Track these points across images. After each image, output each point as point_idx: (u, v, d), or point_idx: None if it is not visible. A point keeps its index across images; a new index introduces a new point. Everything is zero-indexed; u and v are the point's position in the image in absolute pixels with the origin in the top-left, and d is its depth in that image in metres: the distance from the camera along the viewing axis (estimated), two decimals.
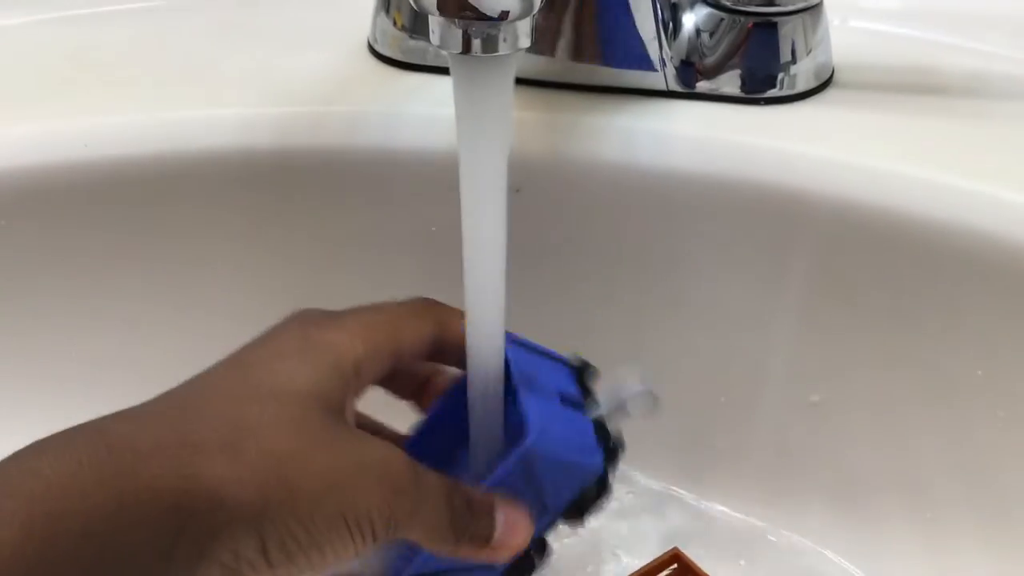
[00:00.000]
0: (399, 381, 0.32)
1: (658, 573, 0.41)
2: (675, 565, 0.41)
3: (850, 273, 0.41)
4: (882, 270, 0.40)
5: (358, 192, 0.43)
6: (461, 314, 0.31)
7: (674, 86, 0.43)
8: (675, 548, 0.42)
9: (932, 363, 0.41)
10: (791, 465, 0.45)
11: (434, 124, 0.42)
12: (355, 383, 0.28)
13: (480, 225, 0.30)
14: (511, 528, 0.28)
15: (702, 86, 0.43)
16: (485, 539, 0.27)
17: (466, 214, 0.30)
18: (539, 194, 0.41)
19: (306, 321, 0.29)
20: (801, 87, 0.43)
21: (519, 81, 0.29)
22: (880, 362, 0.42)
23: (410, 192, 0.43)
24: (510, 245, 0.33)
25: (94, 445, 0.23)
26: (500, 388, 0.32)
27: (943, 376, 0.41)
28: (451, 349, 0.31)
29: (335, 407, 0.27)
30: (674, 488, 0.46)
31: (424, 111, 0.43)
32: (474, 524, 0.27)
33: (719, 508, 0.46)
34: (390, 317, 0.30)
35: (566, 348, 0.46)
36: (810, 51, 0.43)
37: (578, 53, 0.42)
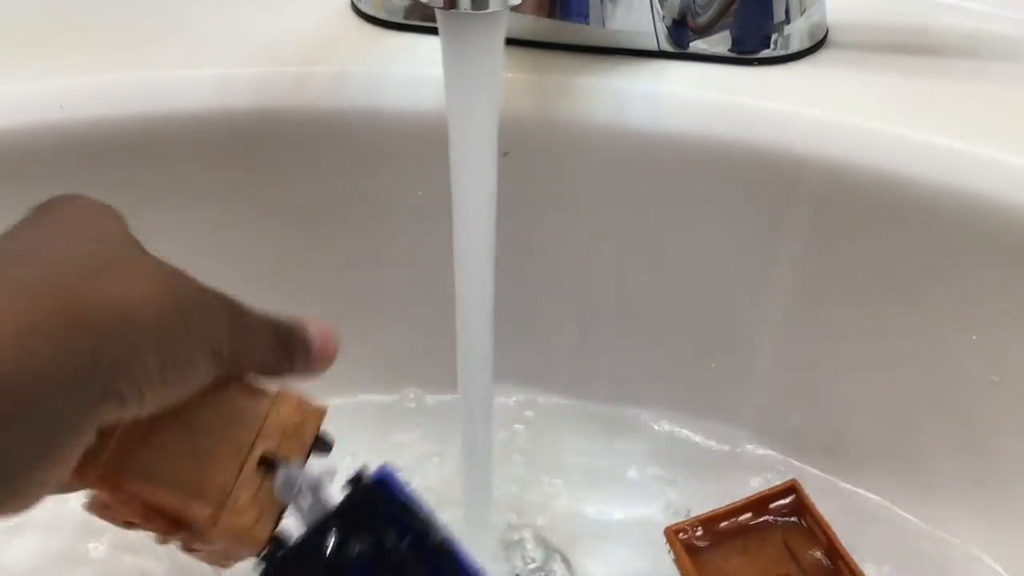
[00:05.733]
0: None
1: (775, 500, 0.42)
2: (792, 496, 0.42)
3: (843, 235, 0.40)
4: (875, 231, 0.40)
5: (341, 155, 0.43)
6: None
7: (666, 46, 0.42)
8: (793, 480, 0.42)
9: (925, 326, 0.40)
10: (783, 428, 0.45)
11: (421, 84, 0.41)
12: None
13: (469, 189, 0.30)
14: (324, 339, 0.30)
15: (694, 46, 0.42)
16: (306, 352, 0.29)
17: (455, 178, 0.30)
18: (529, 157, 0.41)
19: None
20: (795, 47, 0.43)
21: (507, 41, 0.29)
22: (873, 325, 0.42)
23: (396, 155, 0.42)
24: (499, 208, 0.32)
25: None
26: (489, 351, 0.32)
27: (935, 339, 0.41)
28: None
29: None
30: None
31: (410, 71, 0.42)
32: (295, 340, 0.29)
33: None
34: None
35: (555, 310, 0.46)
36: (804, 10, 0.43)
37: (566, 12, 0.41)
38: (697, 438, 0.47)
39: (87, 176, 0.42)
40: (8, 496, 0.23)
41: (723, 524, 0.42)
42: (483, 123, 0.29)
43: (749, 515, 0.42)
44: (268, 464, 0.28)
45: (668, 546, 0.41)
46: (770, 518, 0.42)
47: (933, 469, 0.42)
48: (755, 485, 0.45)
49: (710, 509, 0.41)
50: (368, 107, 0.42)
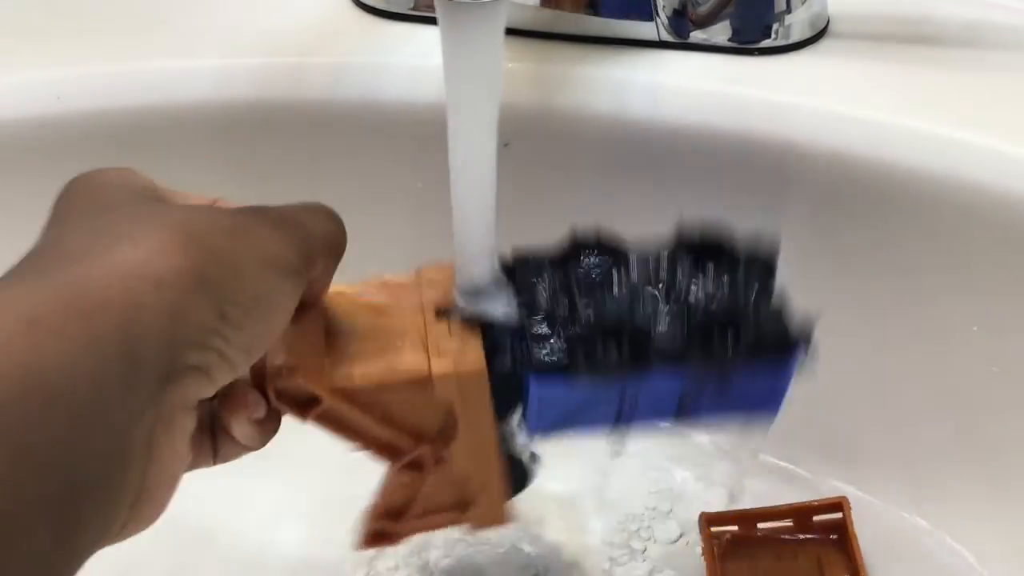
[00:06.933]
0: None
1: (820, 513, 0.40)
2: (839, 513, 0.40)
3: (844, 225, 0.40)
4: (876, 222, 0.40)
5: (341, 146, 0.43)
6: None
7: (666, 36, 0.42)
8: (843, 497, 0.40)
9: (927, 317, 0.40)
10: (781, 418, 0.45)
11: (420, 75, 0.41)
12: None
13: (469, 180, 0.30)
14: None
15: (695, 36, 0.42)
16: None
17: (455, 169, 0.30)
18: (529, 148, 0.41)
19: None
20: (796, 37, 0.42)
21: (508, 31, 0.29)
22: (874, 316, 0.41)
23: (395, 145, 0.42)
24: (499, 200, 0.32)
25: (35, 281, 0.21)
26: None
27: (936, 329, 0.40)
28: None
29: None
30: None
31: (410, 62, 0.42)
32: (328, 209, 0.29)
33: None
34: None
35: None
36: (805, 0, 0.42)
37: (568, 2, 0.41)
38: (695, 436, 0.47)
39: (84, 167, 0.42)
40: (130, 516, 0.21)
41: (761, 525, 0.41)
42: (483, 114, 0.29)
43: (790, 522, 0.41)
44: (444, 312, 0.30)
45: (699, 533, 0.40)
46: (811, 532, 0.41)
47: (933, 461, 0.42)
48: (750, 485, 0.44)
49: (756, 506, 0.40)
50: (368, 98, 0.42)
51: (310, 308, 0.28)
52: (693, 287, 0.31)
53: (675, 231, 0.32)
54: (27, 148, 0.41)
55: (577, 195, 0.43)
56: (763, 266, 0.32)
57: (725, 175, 0.41)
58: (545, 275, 0.31)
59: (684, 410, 0.31)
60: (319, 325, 0.29)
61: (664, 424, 0.32)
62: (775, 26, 0.42)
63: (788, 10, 0.42)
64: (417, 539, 0.40)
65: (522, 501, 0.35)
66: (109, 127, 0.41)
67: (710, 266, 0.31)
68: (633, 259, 0.32)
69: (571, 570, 0.42)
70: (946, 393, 0.41)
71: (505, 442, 0.32)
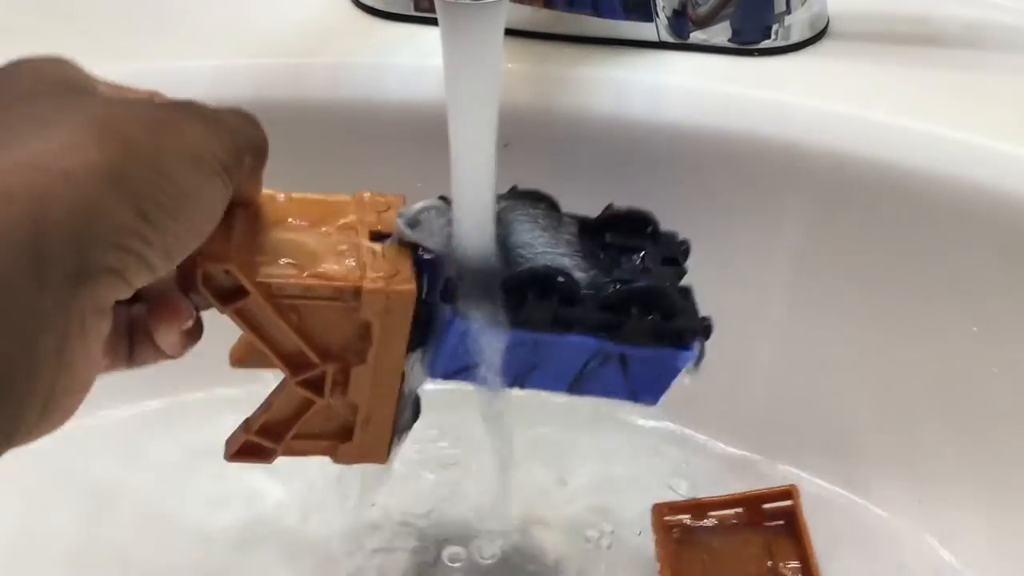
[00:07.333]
0: None
1: (770, 501, 0.41)
2: (788, 501, 0.41)
3: (844, 226, 0.40)
4: (876, 222, 0.40)
5: (341, 146, 0.43)
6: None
7: (666, 37, 0.42)
8: (792, 485, 0.41)
9: (926, 318, 0.40)
10: (784, 420, 0.45)
11: (421, 75, 0.41)
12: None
13: (469, 180, 0.30)
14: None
15: (695, 37, 0.42)
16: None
17: (455, 169, 0.30)
18: (529, 148, 0.40)
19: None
20: (796, 38, 0.43)
21: (507, 32, 0.29)
22: (874, 317, 0.41)
23: (396, 146, 0.42)
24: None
25: None
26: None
27: (936, 330, 0.40)
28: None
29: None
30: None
31: (410, 62, 0.42)
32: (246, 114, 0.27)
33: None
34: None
35: None
36: (805, 1, 0.42)
37: (568, 2, 0.41)
38: (694, 435, 0.47)
39: None
40: (34, 417, 0.20)
41: (712, 513, 0.42)
42: (483, 114, 0.29)
43: (741, 510, 0.42)
44: (378, 236, 0.30)
45: (652, 521, 0.41)
46: (762, 519, 0.42)
47: (932, 460, 0.42)
48: (749, 482, 0.44)
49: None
50: (367, 98, 0.42)
51: (242, 208, 0.28)
52: (621, 261, 0.32)
53: (605, 208, 0.34)
54: None
55: (577, 195, 0.43)
56: (677, 257, 0.33)
57: (725, 175, 0.41)
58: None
59: (580, 380, 0.32)
60: (251, 225, 0.29)
61: (556, 392, 0.33)
62: (775, 27, 0.42)
63: (788, 11, 0.42)
64: None
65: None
66: None
67: (633, 243, 0.33)
68: (567, 219, 0.33)
69: (528, 561, 0.42)
70: (944, 393, 0.41)
71: (404, 378, 0.32)
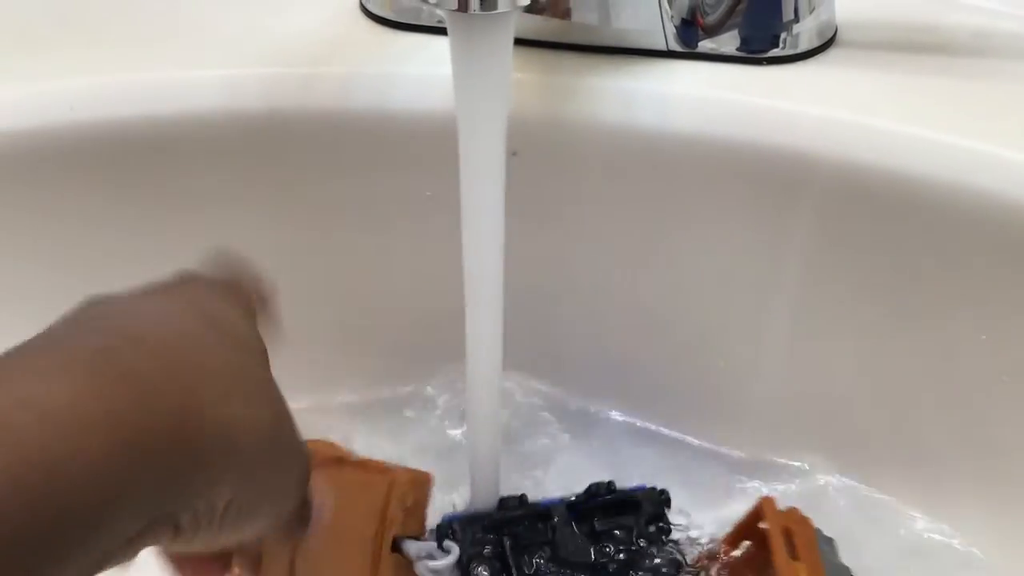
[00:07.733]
0: None
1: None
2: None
3: (852, 234, 0.40)
4: (884, 230, 0.40)
5: (350, 155, 0.43)
6: None
7: (674, 46, 0.42)
8: (764, 498, 0.38)
9: (935, 326, 0.40)
10: (792, 427, 0.45)
11: (430, 85, 0.41)
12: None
13: (479, 189, 0.30)
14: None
15: (703, 45, 0.42)
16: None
17: (464, 178, 0.30)
18: (537, 157, 0.41)
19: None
20: (804, 46, 0.43)
21: (516, 42, 0.29)
22: (882, 325, 0.41)
23: (405, 155, 0.42)
24: (508, 209, 0.32)
25: (96, 366, 0.19)
26: (498, 366, 0.33)
27: (945, 339, 0.40)
28: None
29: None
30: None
31: (419, 72, 0.42)
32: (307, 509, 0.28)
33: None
34: None
35: (565, 309, 0.46)
36: (813, 9, 0.42)
37: (576, 12, 0.41)
38: (701, 437, 0.47)
39: (97, 177, 0.43)
40: None
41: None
42: (492, 123, 0.29)
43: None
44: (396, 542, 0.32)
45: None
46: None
47: (942, 468, 0.42)
48: (759, 485, 0.44)
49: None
50: (377, 108, 0.42)
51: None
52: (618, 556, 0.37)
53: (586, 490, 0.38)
54: (41, 158, 0.42)
55: (585, 204, 0.43)
56: (662, 513, 0.38)
57: (733, 184, 0.41)
58: (488, 541, 0.35)
59: None
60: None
61: None
62: (783, 35, 0.42)
63: (796, 19, 0.42)
64: None
65: None
66: (123, 137, 0.42)
67: (621, 521, 0.38)
68: (559, 523, 0.37)
69: None
70: (954, 402, 0.41)
71: None
